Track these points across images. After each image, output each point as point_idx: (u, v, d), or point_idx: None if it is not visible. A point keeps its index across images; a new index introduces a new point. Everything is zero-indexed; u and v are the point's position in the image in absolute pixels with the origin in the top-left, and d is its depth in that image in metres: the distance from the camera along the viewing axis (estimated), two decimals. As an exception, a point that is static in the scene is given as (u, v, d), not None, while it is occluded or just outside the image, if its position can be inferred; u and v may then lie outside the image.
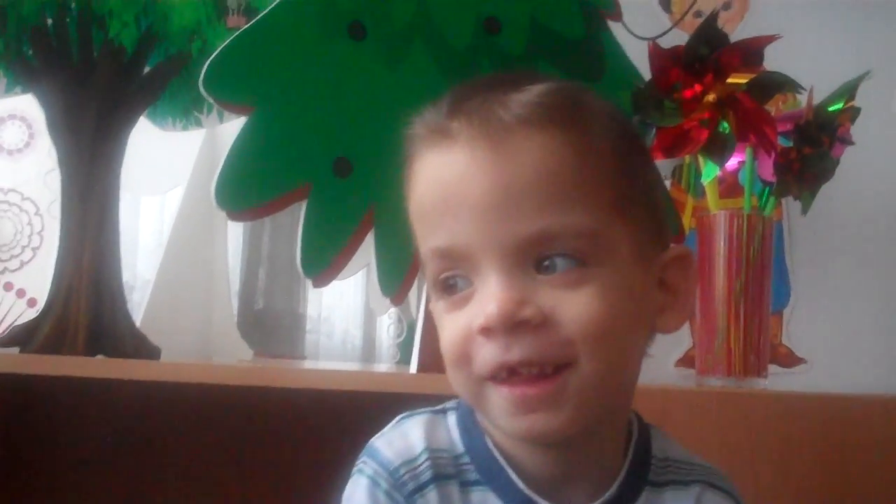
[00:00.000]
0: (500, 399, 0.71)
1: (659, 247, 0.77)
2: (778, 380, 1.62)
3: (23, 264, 1.84)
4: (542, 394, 0.69)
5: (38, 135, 1.84)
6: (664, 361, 1.63)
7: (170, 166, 1.94)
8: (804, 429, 1.14)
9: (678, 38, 1.58)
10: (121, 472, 1.63)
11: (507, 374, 0.69)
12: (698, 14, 1.65)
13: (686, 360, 1.62)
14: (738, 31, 1.68)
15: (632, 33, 1.51)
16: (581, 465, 0.76)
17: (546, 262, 0.70)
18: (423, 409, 0.80)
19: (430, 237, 0.73)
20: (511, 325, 0.68)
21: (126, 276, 1.94)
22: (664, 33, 1.57)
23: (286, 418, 1.53)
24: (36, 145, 1.86)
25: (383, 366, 2.10)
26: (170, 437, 1.61)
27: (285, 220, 1.97)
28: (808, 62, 1.61)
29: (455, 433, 0.77)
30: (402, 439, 0.77)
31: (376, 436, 0.79)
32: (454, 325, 0.72)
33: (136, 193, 2.02)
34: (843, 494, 1.14)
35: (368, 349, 2.35)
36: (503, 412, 0.71)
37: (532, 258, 0.70)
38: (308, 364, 2.22)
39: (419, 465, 0.75)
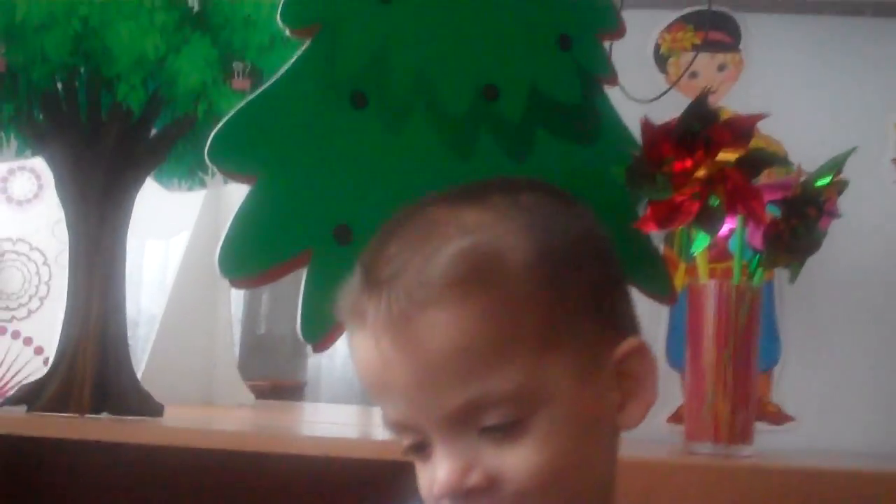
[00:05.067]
0: None
1: (611, 343, 0.76)
2: (766, 437, 1.64)
3: (30, 313, 1.88)
4: None
5: (47, 186, 1.88)
6: (656, 417, 1.66)
7: (175, 212, 1.98)
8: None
9: (674, 98, 1.64)
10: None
11: None
12: (693, 75, 1.70)
13: (678, 416, 1.65)
14: (733, 91, 1.72)
15: (628, 96, 1.56)
16: None
17: (484, 422, 0.70)
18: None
19: (380, 407, 0.76)
20: (461, 495, 0.71)
21: (131, 311, 1.99)
22: (661, 95, 1.62)
23: (285, 483, 1.56)
24: (44, 196, 1.89)
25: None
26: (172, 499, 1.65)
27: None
28: (800, 118, 1.67)
29: None
30: None
31: None
32: (423, 477, 0.75)
33: (142, 238, 2.06)
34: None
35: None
36: None
37: (469, 422, 0.71)
38: (308, 405, 2.25)
39: None
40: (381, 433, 1.61)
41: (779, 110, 1.62)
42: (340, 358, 2.54)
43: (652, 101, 1.59)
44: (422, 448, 0.74)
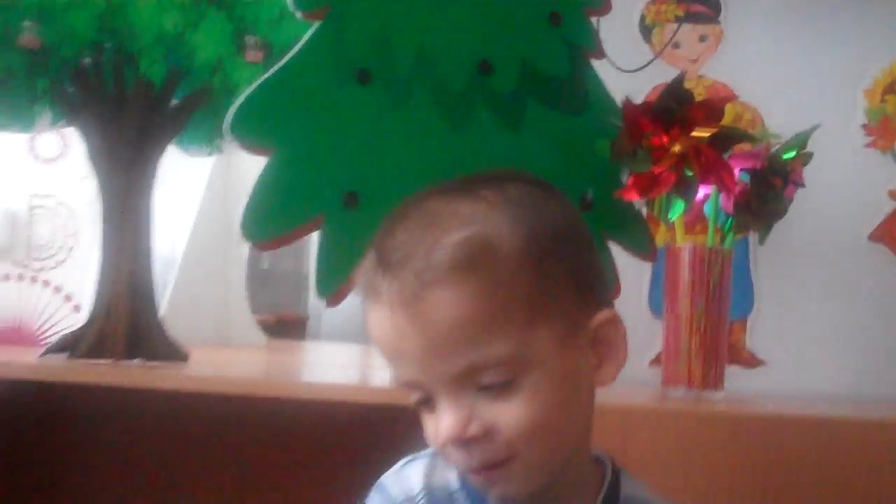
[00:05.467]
0: (473, 477, 0.88)
1: (589, 314, 0.89)
2: (740, 380, 1.78)
3: (58, 263, 2.00)
4: (497, 476, 0.86)
5: (71, 145, 2.00)
6: (640, 361, 1.79)
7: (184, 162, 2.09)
8: (754, 450, 1.30)
9: (658, 67, 1.76)
10: (148, 471, 1.86)
11: (472, 469, 0.86)
12: (676, 45, 1.81)
13: (659, 360, 1.78)
14: (713, 61, 1.83)
15: (615, 66, 1.67)
16: (550, 497, 0.91)
17: (482, 381, 0.84)
18: (425, 452, 0.96)
19: (392, 370, 0.89)
20: (462, 442, 0.84)
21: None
22: (645, 65, 1.74)
23: (297, 426, 1.71)
24: (69, 154, 2.01)
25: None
26: (193, 440, 1.83)
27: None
28: (776, 86, 1.79)
29: (452, 472, 0.93)
30: (405, 480, 0.94)
31: (385, 474, 0.95)
32: (430, 427, 0.88)
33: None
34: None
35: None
36: (477, 485, 0.89)
37: (469, 381, 0.84)
38: (316, 344, 2.38)
39: (417, 500, 0.92)
40: (381, 375, 1.76)
41: (756, 79, 1.77)
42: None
43: (637, 70, 1.70)
44: (428, 402, 0.87)
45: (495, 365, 0.83)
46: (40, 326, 1.98)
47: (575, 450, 0.93)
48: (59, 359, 1.54)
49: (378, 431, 1.27)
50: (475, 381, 0.84)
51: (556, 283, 0.87)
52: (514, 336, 0.84)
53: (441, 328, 0.83)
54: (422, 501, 0.92)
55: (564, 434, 0.89)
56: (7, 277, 2.01)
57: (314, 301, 3.13)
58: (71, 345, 1.55)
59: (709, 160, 1.39)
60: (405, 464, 0.97)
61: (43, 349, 1.61)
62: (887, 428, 1.36)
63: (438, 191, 0.91)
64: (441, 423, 0.85)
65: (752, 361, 1.82)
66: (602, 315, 0.90)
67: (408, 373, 0.87)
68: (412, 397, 0.89)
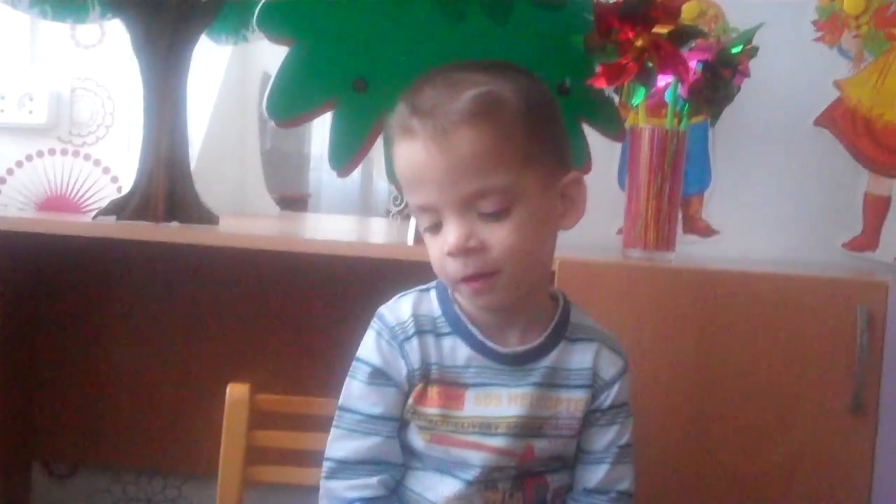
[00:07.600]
0: (464, 290, 1.13)
1: (561, 173, 1.15)
2: (696, 247, 2.04)
3: (98, 139, 2.21)
4: (484, 287, 1.11)
5: (109, 33, 2.18)
6: (608, 230, 2.02)
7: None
8: (694, 300, 1.54)
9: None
10: (182, 314, 2.11)
11: (465, 279, 1.11)
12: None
13: (625, 230, 2.02)
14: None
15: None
16: (514, 320, 1.19)
17: (482, 209, 1.08)
18: (414, 289, 1.22)
19: (411, 196, 1.13)
20: (463, 252, 1.09)
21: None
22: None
23: (309, 277, 1.98)
24: (107, 41, 2.20)
25: (379, 220, 2.50)
26: (221, 288, 2.10)
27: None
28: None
29: (435, 303, 1.20)
30: (398, 309, 1.19)
31: (383, 305, 1.21)
32: (434, 246, 1.13)
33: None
34: (710, 355, 1.54)
35: (366, 185, 2.72)
36: (466, 296, 1.15)
37: (473, 206, 1.08)
38: (321, 215, 2.59)
39: (407, 325, 1.17)
40: (373, 238, 2.00)
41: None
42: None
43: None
44: (437, 226, 1.12)
45: (494, 194, 1.08)
46: (82, 195, 2.22)
47: (540, 278, 1.20)
48: (109, 220, 1.77)
49: (372, 280, 1.49)
50: (477, 207, 1.09)
51: (542, 140, 1.13)
52: (512, 172, 1.09)
53: (461, 157, 1.07)
54: (411, 324, 1.18)
55: (536, 259, 1.15)
56: (52, 152, 2.24)
57: (315, 180, 3.32)
58: (118, 209, 1.78)
59: (666, 53, 1.60)
60: (398, 298, 1.22)
61: (86, 216, 1.82)
62: (807, 282, 1.57)
63: (455, 66, 1.17)
64: (448, 236, 1.10)
65: (707, 231, 2.07)
66: (571, 175, 1.17)
67: (426, 196, 1.11)
68: (423, 223, 1.14)
